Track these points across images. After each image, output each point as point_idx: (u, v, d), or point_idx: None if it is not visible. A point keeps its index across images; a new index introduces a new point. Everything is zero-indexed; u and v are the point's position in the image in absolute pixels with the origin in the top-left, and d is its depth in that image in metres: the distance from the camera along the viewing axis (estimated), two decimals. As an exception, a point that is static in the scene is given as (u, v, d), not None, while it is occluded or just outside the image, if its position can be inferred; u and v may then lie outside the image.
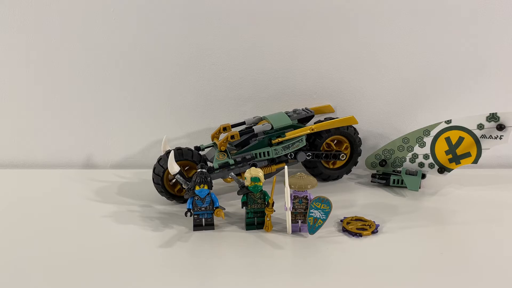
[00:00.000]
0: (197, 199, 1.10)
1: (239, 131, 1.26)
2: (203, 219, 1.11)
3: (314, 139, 1.32)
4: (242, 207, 1.12)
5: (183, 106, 1.42)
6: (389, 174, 1.32)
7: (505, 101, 1.40)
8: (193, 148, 1.25)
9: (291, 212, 1.09)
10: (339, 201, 1.20)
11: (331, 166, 1.36)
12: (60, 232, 1.11)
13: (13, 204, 1.24)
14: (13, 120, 1.44)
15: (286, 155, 1.28)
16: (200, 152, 1.28)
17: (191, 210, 1.10)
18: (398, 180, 1.30)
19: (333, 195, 1.17)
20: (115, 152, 1.46)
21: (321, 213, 1.07)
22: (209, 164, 1.25)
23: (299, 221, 1.10)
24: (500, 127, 1.22)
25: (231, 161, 1.22)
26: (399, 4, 1.33)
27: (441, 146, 1.28)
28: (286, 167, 1.09)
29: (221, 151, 1.25)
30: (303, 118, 1.33)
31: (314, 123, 1.32)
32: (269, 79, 1.39)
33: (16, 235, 1.10)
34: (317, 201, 1.07)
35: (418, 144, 1.30)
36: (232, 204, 1.22)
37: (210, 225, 1.12)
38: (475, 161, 1.27)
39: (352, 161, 1.37)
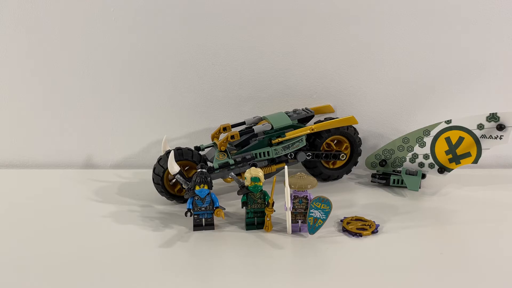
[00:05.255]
0: (197, 199, 1.10)
1: (239, 131, 1.26)
2: (203, 219, 1.11)
3: (314, 139, 1.32)
4: (242, 207, 1.12)
5: (183, 106, 1.41)
6: (389, 174, 1.32)
7: (505, 101, 1.40)
8: (193, 148, 1.25)
9: (291, 212, 1.09)
10: (339, 201, 1.20)
11: (331, 166, 1.36)
12: (60, 232, 1.11)
13: (13, 204, 1.24)
14: (13, 120, 1.44)
15: (286, 155, 1.28)
16: (200, 152, 1.28)
17: (191, 210, 1.10)
18: (398, 180, 1.30)
19: (333, 195, 1.17)
20: (115, 152, 1.46)
21: (321, 213, 1.07)
22: (209, 164, 1.25)
23: (299, 221, 1.10)
24: (500, 127, 1.22)
25: (231, 161, 1.22)
26: (399, 4, 1.33)
27: (441, 146, 1.28)
28: (286, 167, 1.09)
29: (221, 151, 1.25)
30: (303, 118, 1.33)
31: (314, 123, 1.32)
32: (269, 79, 1.39)
33: (16, 235, 1.10)
34: (317, 201, 1.07)
35: (418, 144, 1.30)
36: (232, 204, 1.22)
37: (210, 225, 1.12)
38: (475, 161, 1.27)
39: (352, 161, 1.37)
